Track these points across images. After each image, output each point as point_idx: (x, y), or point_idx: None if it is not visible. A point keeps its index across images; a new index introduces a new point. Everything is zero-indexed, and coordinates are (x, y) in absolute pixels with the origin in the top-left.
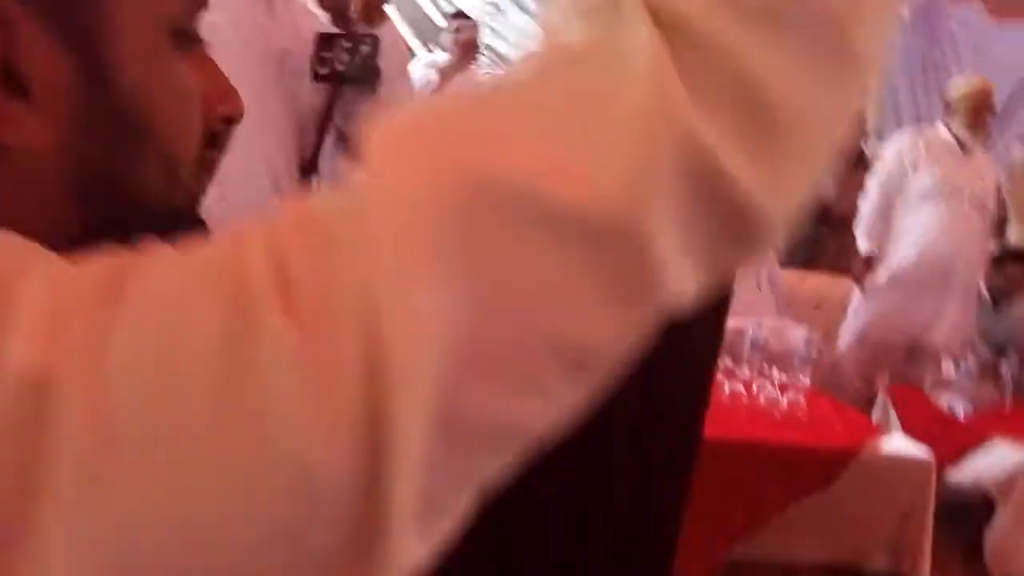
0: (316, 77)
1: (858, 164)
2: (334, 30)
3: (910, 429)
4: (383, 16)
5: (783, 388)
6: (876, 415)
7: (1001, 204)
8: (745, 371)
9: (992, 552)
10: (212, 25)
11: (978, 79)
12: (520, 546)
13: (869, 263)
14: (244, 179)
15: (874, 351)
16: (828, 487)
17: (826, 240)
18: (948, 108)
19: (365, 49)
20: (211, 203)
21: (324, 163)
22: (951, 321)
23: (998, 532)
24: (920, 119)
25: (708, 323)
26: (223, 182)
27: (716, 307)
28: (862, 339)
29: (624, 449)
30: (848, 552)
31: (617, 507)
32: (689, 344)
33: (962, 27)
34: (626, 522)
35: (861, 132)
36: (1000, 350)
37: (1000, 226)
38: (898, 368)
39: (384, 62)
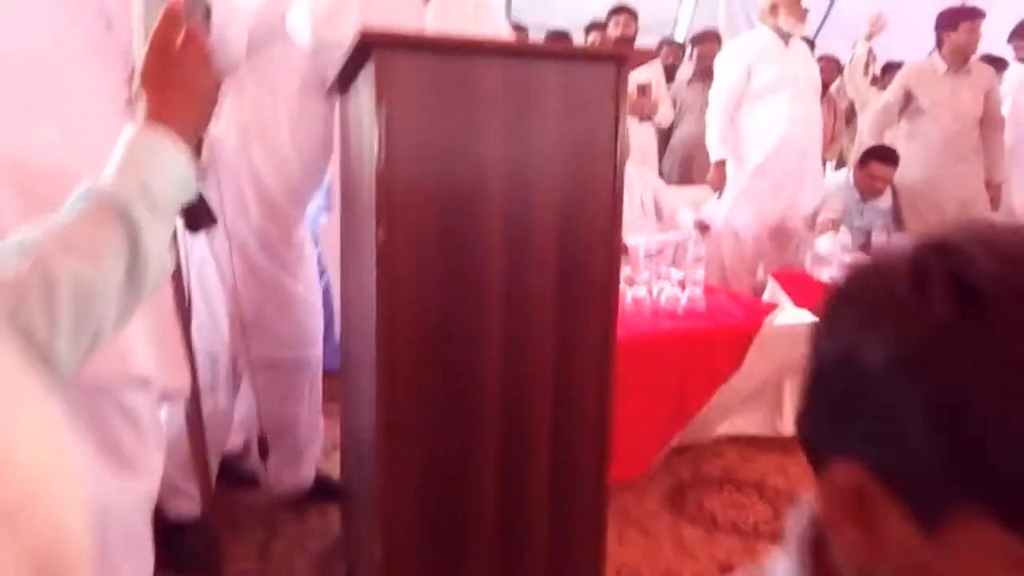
0: None
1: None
2: None
3: (800, 305)
4: None
5: (681, 285)
6: (767, 298)
7: (842, 95)
8: (644, 275)
9: None
10: None
11: None
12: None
13: (722, 167)
14: (89, 124)
15: (753, 243)
16: (739, 367)
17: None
18: (765, 10)
19: None
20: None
21: None
22: (810, 201)
23: None
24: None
25: (606, 238)
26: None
27: (609, 225)
28: (738, 234)
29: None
30: (764, 420)
31: (545, 414)
32: (593, 260)
33: None
34: (557, 432)
35: (712, 51)
36: (866, 232)
37: (848, 117)
38: (774, 253)
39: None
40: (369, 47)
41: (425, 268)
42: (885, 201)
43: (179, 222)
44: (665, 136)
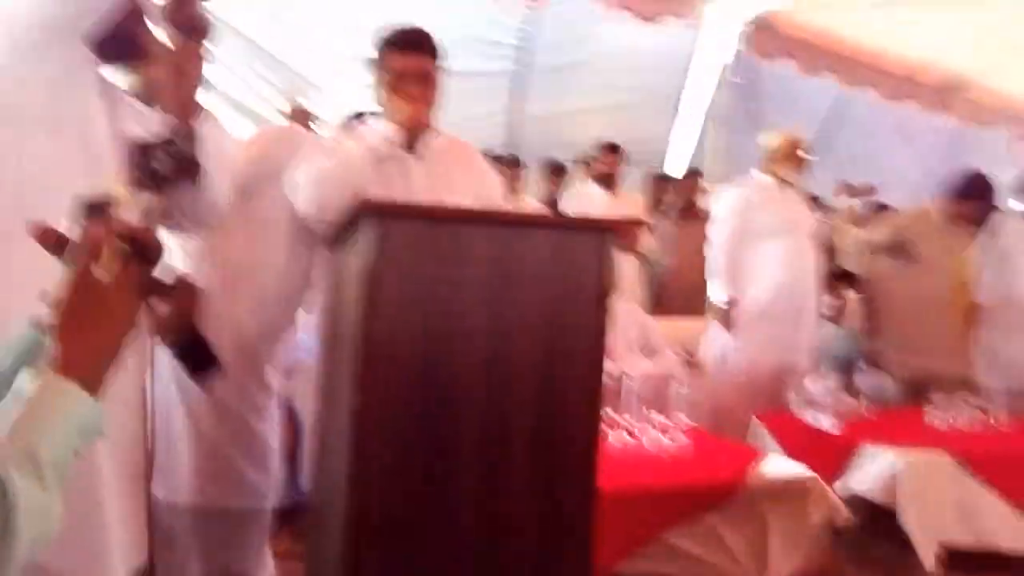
0: (139, 184)
1: (694, 217)
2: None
3: (787, 448)
4: (198, 108)
5: (664, 429)
6: (752, 440)
7: (826, 235)
8: (626, 418)
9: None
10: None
11: (787, 131)
12: None
13: (733, 305)
14: None
15: (749, 382)
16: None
17: (669, 284)
18: (765, 156)
19: (179, 146)
20: None
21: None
22: (806, 344)
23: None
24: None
25: (587, 377)
26: None
27: (591, 360)
28: (735, 373)
29: (524, 505)
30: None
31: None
32: (574, 430)
33: (777, 83)
34: None
35: (696, 188)
36: (848, 364)
37: (830, 254)
38: (768, 395)
39: (204, 156)
40: (360, 214)
41: (401, 428)
42: (852, 324)
43: (172, 361)
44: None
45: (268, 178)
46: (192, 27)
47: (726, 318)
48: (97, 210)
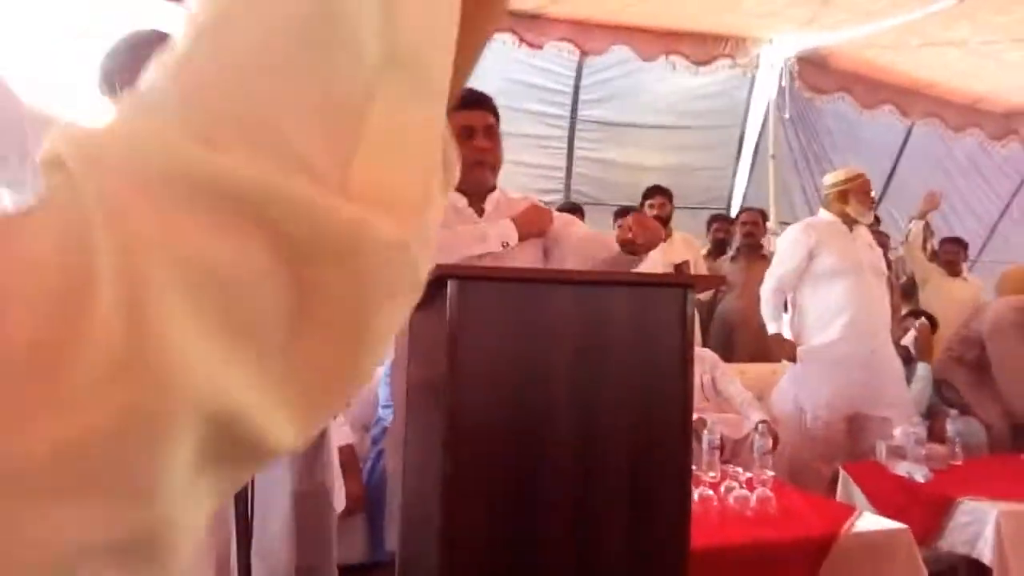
0: None
1: (760, 258)
2: None
3: (877, 503)
4: None
5: (749, 484)
6: (840, 495)
7: (902, 271)
8: (711, 474)
9: None
10: None
11: (847, 168)
12: None
13: (781, 339)
14: None
15: (825, 432)
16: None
17: (737, 328)
18: (831, 194)
19: None
20: None
21: None
22: (889, 389)
23: None
24: (811, 208)
25: (677, 436)
26: None
27: (679, 448)
28: (807, 424)
29: (617, 568)
30: None
31: None
32: (664, 482)
33: (836, 119)
34: None
35: (763, 229)
36: (931, 409)
37: (909, 292)
38: (845, 445)
39: None
40: (444, 278)
41: (492, 491)
42: (923, 368)
43: None
44: (708, 310)
45: None
46: None
47: (779, 350)
48: None
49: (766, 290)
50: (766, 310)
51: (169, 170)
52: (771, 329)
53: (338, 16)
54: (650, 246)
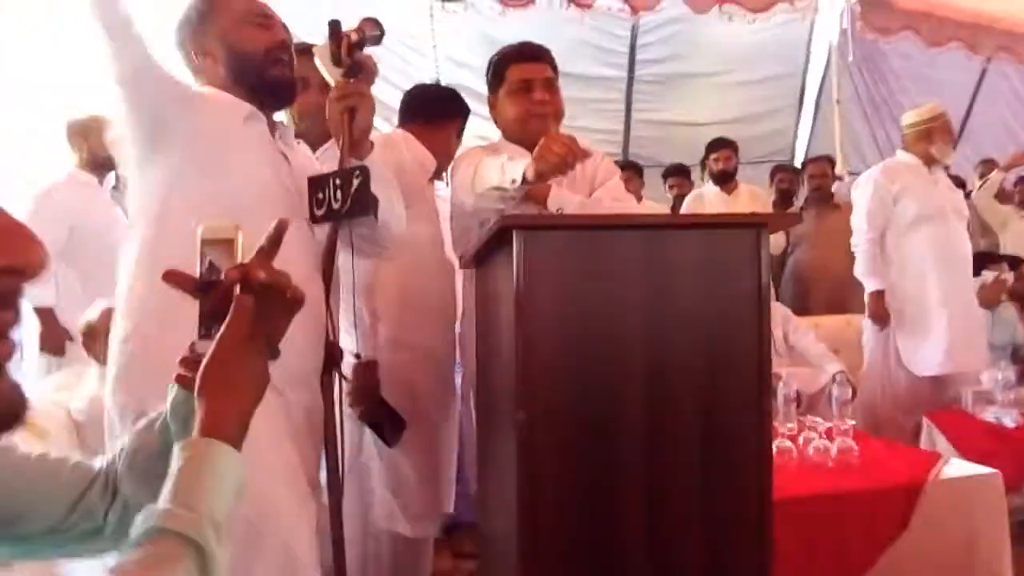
0: (315, 219)
1: (832, 207)
2: (323, 171)
3: (963, 450)
4: (371, 145)
5: (829, 434)
6: (924, 444)
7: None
8: (788, 425)
9: None
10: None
11: (930, 106)
12: None
13: (880, 298)
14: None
15: (909, 384)
16: (906, 528)
17: (809, 281)
18: (908, 137)
19: (356, 182)
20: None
21: (332, 300)
22: (972, 338)
23: None
24: (881, 153)
25: (754, 380)
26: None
27: (756, 393)
28: (893, 373)
29: (694, 514)
30: None
31: None
32: (741, 429)
33: (903, 60)
34: None
35: (831, 178)
36: (1015, 352)
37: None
38: (930, 396)
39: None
40: (508, 228)
41: (565, 442)
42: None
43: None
44: (779, 263)
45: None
46: (360, 68)
47: (874, 311)
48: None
49: (860, 243)
50: (864, 266)
51: None
52: (873, 285)
53: None
54: (560, 167)
